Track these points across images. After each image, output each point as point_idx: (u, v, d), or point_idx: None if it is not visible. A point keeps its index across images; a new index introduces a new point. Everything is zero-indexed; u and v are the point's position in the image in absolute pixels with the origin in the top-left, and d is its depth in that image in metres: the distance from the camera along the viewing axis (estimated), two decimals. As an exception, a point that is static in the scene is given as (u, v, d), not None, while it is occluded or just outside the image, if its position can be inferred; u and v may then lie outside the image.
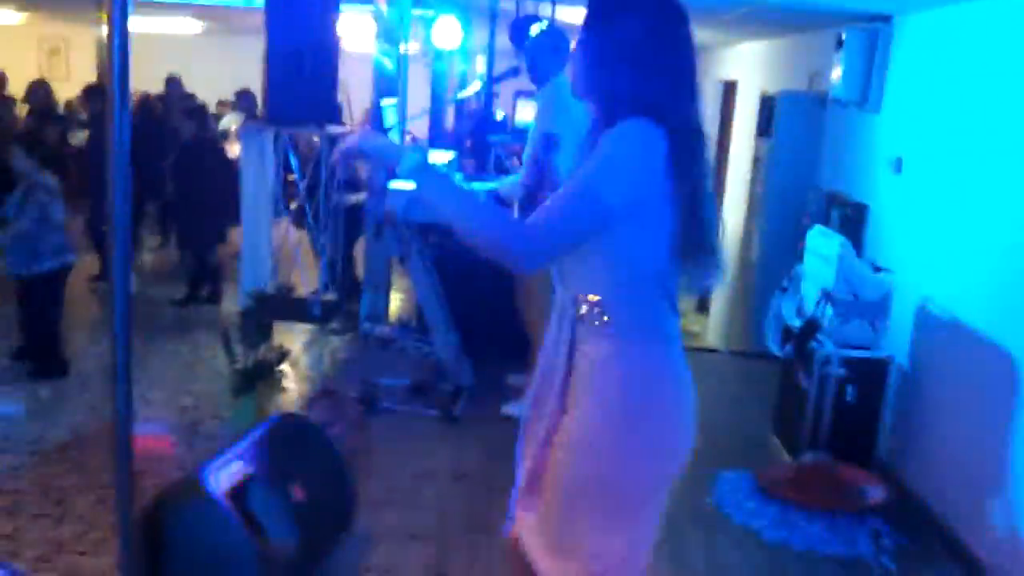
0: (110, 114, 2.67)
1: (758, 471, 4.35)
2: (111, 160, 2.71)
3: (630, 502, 2.01)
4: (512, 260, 1.87)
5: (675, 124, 1.86)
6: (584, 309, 1.97)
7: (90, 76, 11.52)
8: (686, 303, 8.91)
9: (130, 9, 2.60)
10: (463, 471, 4.25)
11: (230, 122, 11.33)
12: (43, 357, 5.47)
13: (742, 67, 8.53)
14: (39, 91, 9.49)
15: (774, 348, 4.82)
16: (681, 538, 3.88)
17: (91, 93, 7.93)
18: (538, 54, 4.67)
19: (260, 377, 4.76)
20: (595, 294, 1.95)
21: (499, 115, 7.35)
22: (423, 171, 1.89)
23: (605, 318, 1.95)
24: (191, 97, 10.35)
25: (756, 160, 7.00)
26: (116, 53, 2.60)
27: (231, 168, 7.10)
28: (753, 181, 7.05)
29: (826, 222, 5.52)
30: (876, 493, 4.11)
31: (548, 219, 1.85)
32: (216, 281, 7.19)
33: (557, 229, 1.85)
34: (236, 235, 7.56)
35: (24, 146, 5.48)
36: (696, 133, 1.91)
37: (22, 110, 10.19)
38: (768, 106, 6.72)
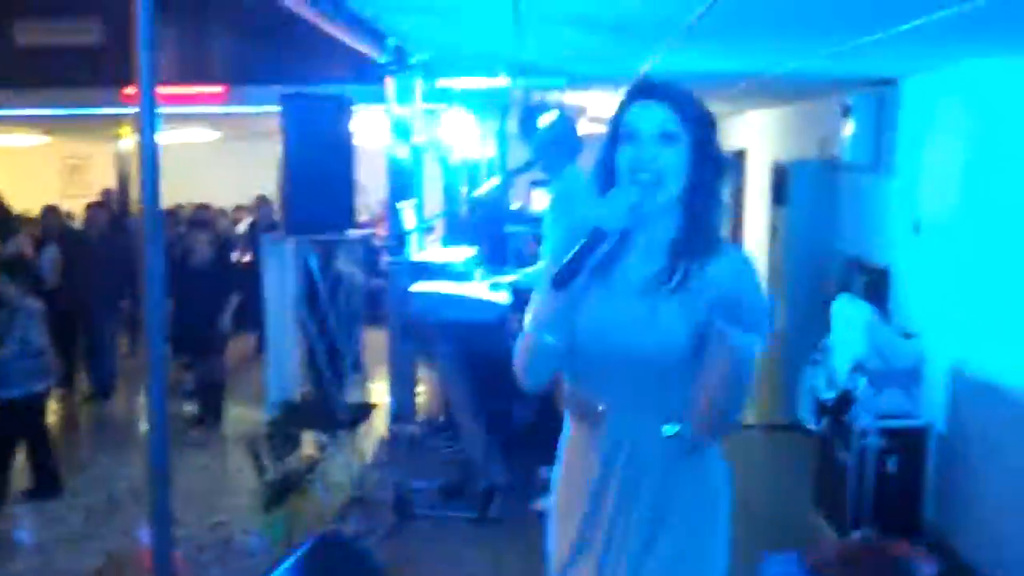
0: (143, 240, 2.71)
1: (805, 552, 4.21)
2: (145, 278, 2.73)
3: None
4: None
5: None
6: (676, 431, 1.90)
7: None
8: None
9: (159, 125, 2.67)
10: (504, 575, 4.16)
11: (246, 227, 11.52)
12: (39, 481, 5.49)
13: (751, 135, 8.59)
14: (49, 216, 9.69)
15: (809, 423, 4.73)
16: (731, 628, 3.74)
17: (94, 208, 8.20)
18: (548, 145, 4.71)
19: (290, 489, 4.71)
20: (683, 414, 1.89)
21: (515, 205, 7.40)
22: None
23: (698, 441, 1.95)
24: (205, 208, 10.53)
25: (773, 228, 6.99)
26: (148, 171, 2.65)
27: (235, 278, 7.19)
28: (772, 249, 7.02)
29: (849, 287, 5.48)
30: (928, 568, 3.97)
31: None
32: (217, 398, 7.20)
33: None
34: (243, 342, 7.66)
35: (9, 271, 5.62)
36: None
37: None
38: (781, 174, 6.74)
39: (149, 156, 2.65)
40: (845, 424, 4.38)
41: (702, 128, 1.85)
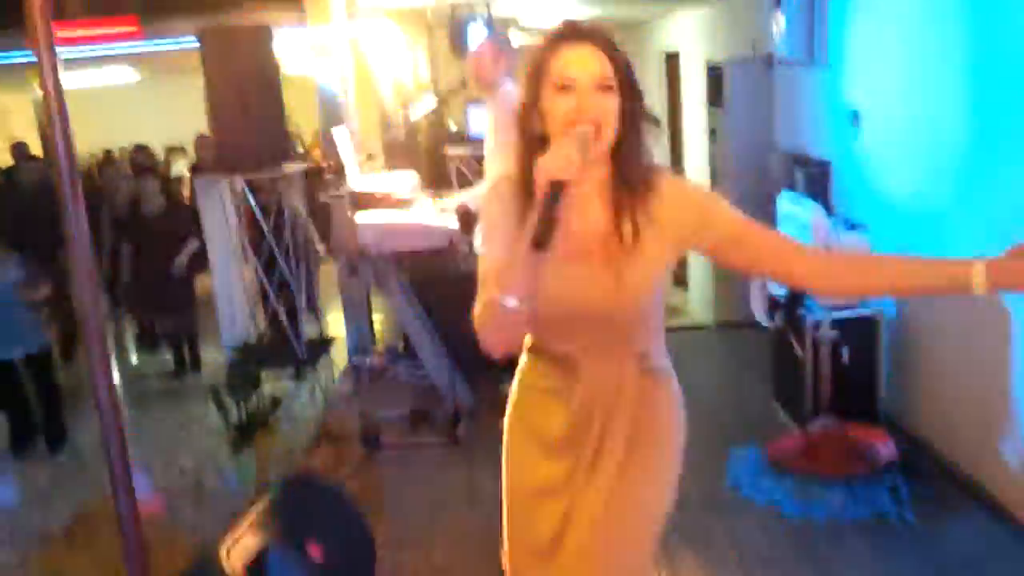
0: (60, 184, 2.60)
1: (767, 445, 4.35)
2: (70, 231, 2.65)
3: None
4: None
5: None
6: (652, 363, 2.00)
7: (33, 140, 11.40)
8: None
9: (61, 68, 2.53)
10: (476, 495, 4.22)
11: (182, 168, 11.22)
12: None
13: (683, 37, 8.52)
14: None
15: (762, 319, 4.82)
16: (702, 524, 3.87)
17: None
18: (482, 62, 4.62)
19: (256, 429, 4.71)
20: (656, 344, 2.02)
21: (452, 127, 7.28)
22: None
23: (664, 365, 2.04)
24: (144, 151, 10.18)
25: (712, 130, 7.00)
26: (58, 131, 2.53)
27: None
28: (712, 151, 7.04)
29: (791, 183, 5.53)
30: (887, 449, 4.12)
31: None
32: (193, 347, 7.10)
33: None
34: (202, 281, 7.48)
35: None
36: None
37: None
38: (716, 75, 6.72)
39: (57, 108, 2.50)
40: (798, 318, 4.48)
41: (631, 76, 1.82)
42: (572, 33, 1.81)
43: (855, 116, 4.98)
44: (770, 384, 5.04)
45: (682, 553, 3.64)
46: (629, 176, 1.85)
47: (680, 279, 8.25)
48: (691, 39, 8.25)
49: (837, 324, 4.39)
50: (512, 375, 2.13)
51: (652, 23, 9.62)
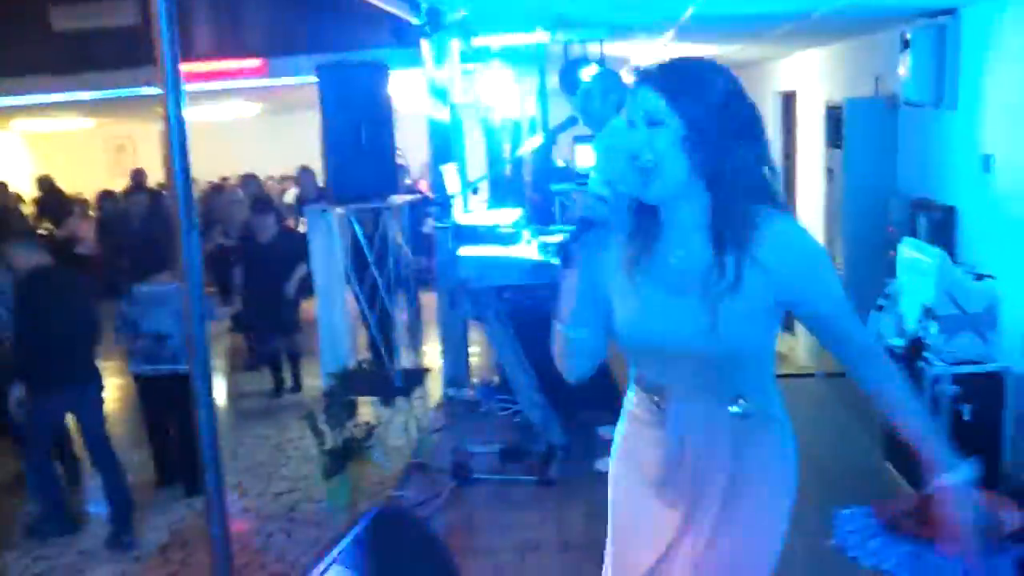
0: (175, 211, 2.67)
1: (878, 505, 4.07)
2: (183, 257, 2.70)
3: None
4: None
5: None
6: (751, 408, 1.86)
7: (156, 169, 11.97)
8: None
9: (185, 102, 2.61)
10: (567, 539, 4.08)
11: (292, 196, 11.54)
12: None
13: (800, 77, 8.32)
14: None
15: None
16: (804, 585, 3.64)
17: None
18: (591, 99, 4.57)
19: (349, 456, 4.70)
20: (756, 391, 1.88)
21: (559, 163, 7.25)
22: None
23: (769, 411, 1.91)
24: (255, 182, 10.48)
25: (829, 171, 6.77)
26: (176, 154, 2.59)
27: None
28: (828, 193, 6.81)
29: (912, 230, 5.27)
30: (1012, 517, 3.80)
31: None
32: (296, 368, 7.21)
33: None
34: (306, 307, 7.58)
35: None
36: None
37: None
38: (835, 115, 6.52)
39: (176, 138, 2.58)
40: (916, 371, 4.21)
41: (698, 106, 1.75)
42: (636, 75, 1.85)
43: (987, 161, 4.72)
44: (882, 441, 4.75)
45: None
46: (725, 211, 1.78)
47: (787, 323, 7.96)
48: (809, 79, 8.04)
49: (959, 379, 4.12)
50: (610, 418, 2.06)
51: (768, 63, 9.44)
